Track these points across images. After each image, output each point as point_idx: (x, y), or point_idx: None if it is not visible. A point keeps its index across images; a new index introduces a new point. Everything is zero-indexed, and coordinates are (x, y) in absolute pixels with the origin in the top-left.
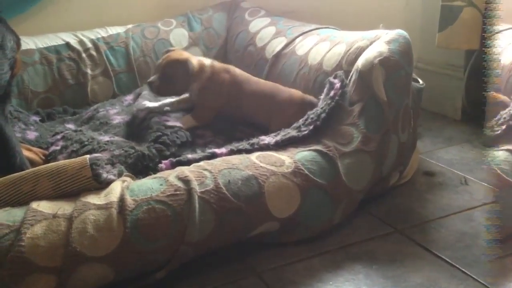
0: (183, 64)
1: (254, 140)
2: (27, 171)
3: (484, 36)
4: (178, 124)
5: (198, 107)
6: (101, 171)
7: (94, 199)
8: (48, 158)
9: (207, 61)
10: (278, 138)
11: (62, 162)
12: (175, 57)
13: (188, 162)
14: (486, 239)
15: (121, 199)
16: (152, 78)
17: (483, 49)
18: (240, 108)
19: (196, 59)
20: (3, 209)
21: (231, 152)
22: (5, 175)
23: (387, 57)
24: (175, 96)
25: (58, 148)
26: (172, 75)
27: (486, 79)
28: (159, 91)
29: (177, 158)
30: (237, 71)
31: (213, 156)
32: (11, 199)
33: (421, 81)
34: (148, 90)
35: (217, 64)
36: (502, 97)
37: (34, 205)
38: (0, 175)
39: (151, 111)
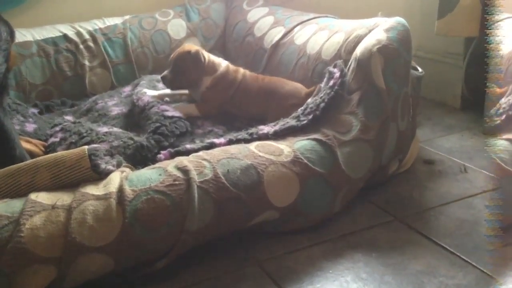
0: (194, 55)
1: (253, 130)
2: (25, 162)
3: (485, 24)
4: (177, 114)
5: (205, 100)
6: (99, 162)
7: (93, 190)
8: (47, 150)
9: (224, 61)
10: (277, 127)
11: (60, 153)
12: (185, 49)
13: (187, 152)
14: (487, 228)
15: (120, 190)
16: (164, 72)
17: (483, 36)
18: (245, 106)
19: (211, 56)
20: (2, 201)
21: (230, 142)
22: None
23: (385, 45)
24: None
25: (57, 140)
26: (183, 67)
27: (486, 71)
28: (172, 84)
29: (176, 149)
30: (247, 73)
31: (212, 146)
32: (10, 190)
33: (420, 69)
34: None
35: (232, 66)
36: (501, 90)
37: (33, 196)
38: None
39: (151, 99)
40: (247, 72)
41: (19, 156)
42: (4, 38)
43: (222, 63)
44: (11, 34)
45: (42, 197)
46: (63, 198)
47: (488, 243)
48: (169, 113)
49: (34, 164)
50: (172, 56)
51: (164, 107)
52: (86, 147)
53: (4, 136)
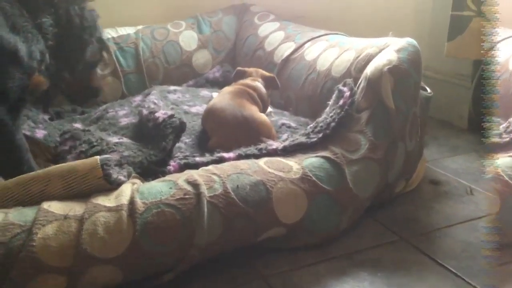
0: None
1: (262, 145)
2: (38, 171)
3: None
4: (169, 112)
5: None
6: (111, 172)
7: (104, 201)
8: (57, 158)
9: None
10: (287, 143)
11: (73, 163)
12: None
13: (196, 165)
14: (483, 249)
15: (131, 202)
16: None
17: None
18: None
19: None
20: (15, 209)
21: (239, 157)
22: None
23: (396, 65)
24: None
25: (66, 148)
26: None
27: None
28: None
29: (185, 161)
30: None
31: (221, 160)
32: (22, 198)
33: (429, 90)
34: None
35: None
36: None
37: (45, 205)
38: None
39: None
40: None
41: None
42: (36, 59)
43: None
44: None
45: (55, 207)
46: (75, 209)
47: (486, 264)
48: (160, 118)
49: (47, 173)
50: None
51: (157, 114)
52: (98, 157)
53: (14, 153)
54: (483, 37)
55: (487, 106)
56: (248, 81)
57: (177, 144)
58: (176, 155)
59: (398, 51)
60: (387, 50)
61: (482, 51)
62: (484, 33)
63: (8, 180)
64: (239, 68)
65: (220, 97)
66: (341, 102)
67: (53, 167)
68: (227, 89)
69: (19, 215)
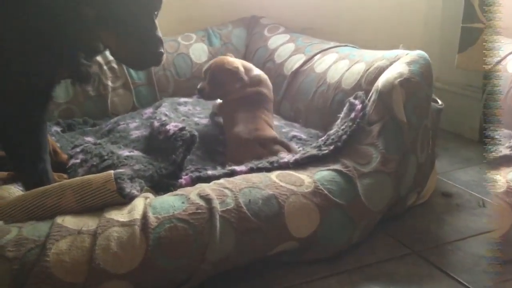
0: (234, 72)
1: (274, 159)
2: (52, 184)
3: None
4: (179, 126)
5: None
6: (125, 185)
7: (117, 216)
8: (68, 171)
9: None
10: (298, 156)
11: (86, 177)
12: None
13: (208, 179)
14: (492, 260)
15: (144, 217)
16: (200, 85)
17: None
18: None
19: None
20: (29, 223)
21: (251, 170)
22: (26, 179)
23: (407, 78)
24: None
25: (77, 161)
26: (221, 81)
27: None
28: (209, 97)
29: (197, 174)
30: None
31: (233, 173)
32: (36, 212)
33: (440, 102)
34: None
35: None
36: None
37: (59, 220)
38: (22, 176)
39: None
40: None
41: (41, 171)
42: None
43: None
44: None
45: (68, 222)
46: (88, 223)
47: (489, 280)
48: (171, 131)
49: (60, 187)
50: (208, 67)
51: (168, 126)
52: (112, 171)
53: (36, 147)
54: (488, 51)
55: (492, 120)
56: None
57: (189, 157)
58: (187, 168)
59: (409, 64)
60: (398, 63)
61: (487, 65)
62: (491, 46)
63: (22, 193)
64: None
65: None
66: (352, 115)
67: (66, 181)
68: None
69: (33, 230)
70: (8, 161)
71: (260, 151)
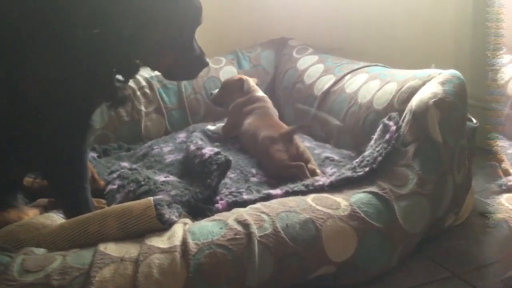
0: (240, 82)
1: (309, 181)
2: (94, 212)
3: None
4: (215, 149)
5: (227, 120)
6: (164, 212)
7: (158, 243)
8: (106, 197)
9: (260, 93)
10: (333, 179)
11: (127, 204)
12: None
13: (243, 203)
14: None
15: (184, 243)
16: (213, 91)
17: None
18: (245, 144)
19: (254, 87)
20: (72, 251)
21: (286, 194)
22: (67, 207)
23: (442, 98)
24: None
25: (115, 187)
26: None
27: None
28: (215, 101)
29: (233, 199)
30: (263, 108)
31: (268, 197)
32: (78, 239)
33: (474, 120)
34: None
35: (260, 95)
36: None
37: (102, 247)
38: (63, 204)
39: (213, 132)
40: (264, 107)
41: (82, 200)
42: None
43: (257, 93)
44: None
45: (111, 249)
46: (130, 251)
47: None
48: (206, 155)
49: (102, 214)
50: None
51: (204, 150)
52: (152, 198)
53: (78, 174)
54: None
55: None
56: None
57: (222, 180)
58: (221, 191)
59: (443, 83)
60: (432, 83)
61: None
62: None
63: (65, 221)
64: None
65: None
66: (387, 136)
67: (108, 208)
68: None
69: (77, 258)
70: (49, 189)
71: (289, 147)
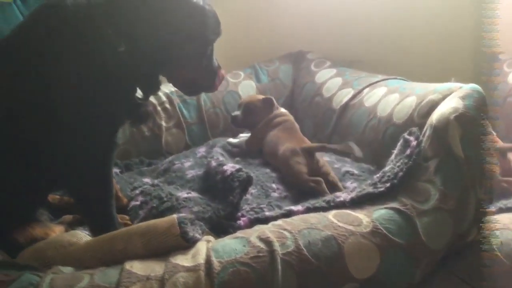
0: (268, 101)
1: (329, 197)
2: (120, 230)
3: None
4: (237, 166)
5: (251, 134)
6: (188, 230)
7: (183, 261)
8: (129, 213)
9: (281, 108)
10: (354, 195)
11: (152, 221)
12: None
13: (265, 220)
14: None
15: (208, 261)
16: (235, 113)
17: None
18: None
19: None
20: (99, 270)
21: (308, 210)
22: (93, 225)
23: (463, 113)
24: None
25: (137, 203)
26: (254, 110)
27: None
28: (240, 124)
29: (255, 215)
30: (287, 121)
31: (290, 213)
32: (105, 256)
33: (495, 134)
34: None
35: (283, 110)
36: (500, 143)
37: (128, 266)
38: (89, 222)
39: (234, 146)
40: (288, 123)
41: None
42: None
43: (281, 109)
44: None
45: (136, 267)
46: (155, 269)
47: None
48: (228, 171)
49: (127, 232)
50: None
51: (225, 167)
52: (176, 215)
53: (106, 197)
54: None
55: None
56: None
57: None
58: (243, 208)
59: (463, 98)
60: (452, 97)
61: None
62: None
63: (91, 238)
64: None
65: None
66: (408, 151)
67: (133, 226)
68: None
69: (104, 277)
70: (75, 206)
71: (309, 162)
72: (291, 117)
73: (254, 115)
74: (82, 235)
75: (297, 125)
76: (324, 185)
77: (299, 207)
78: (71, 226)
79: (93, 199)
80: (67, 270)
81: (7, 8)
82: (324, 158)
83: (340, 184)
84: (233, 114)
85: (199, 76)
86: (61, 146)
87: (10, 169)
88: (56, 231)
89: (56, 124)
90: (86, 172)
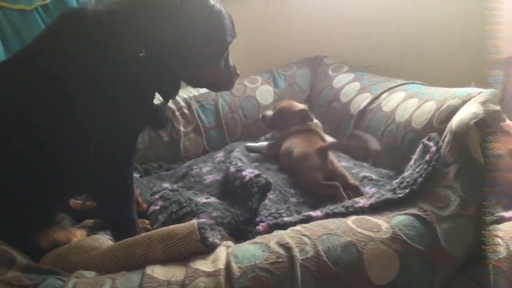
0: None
1: (348, 203)
2: (141, 235)
3: None
4: (254, 173)
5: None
6: (208, 235)
7: (203, 266)
8: (149, 218)
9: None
10: (373, 200)
11: (172, 227)
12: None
13: (284, 225)
14: None
15: (227, 266)
16: (266, 112)
17: None
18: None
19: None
20: (120, 274)
21: (327, 216)
22: (115, 229)
23: (483, 118)
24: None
25: (157, 208)
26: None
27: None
28: (268, 124)
29: (274, 221)
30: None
31: (308, 219)
32: (126, 261)
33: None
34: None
35: (315, 122)
36: None
37: (149, 270)
38: (111, 226)
39: (251, 150)
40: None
41: (129, 226)
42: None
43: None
44: None
45: (158, 272)
46: (176, 274)
47: None
48: (247, 177)
49: (148, 237)
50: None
51: (244, 172)
52: (195, 221)
53: (127, 198)
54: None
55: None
56: None
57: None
58: (262, 213)
59: (483, 103)
60: (472, 103)
61: None
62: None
63: (112, 243)
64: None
65: None
66: (427, 157)
67: (153, 231)
68: None
69: (125, 282)
70: (97, 210)
71: (324, 163)
72: (319, 128)
73: (283, 121)
74: (104, 240)
75: (319, 130)
76: (341, 190)
77: (317, 213)
78: (92, 230)
79: (114, 204)
80: (90, 274)
81: (29, 15)
82: (342, 163)
83: (360, 187)
84: (264, 112)
85: (219, 77)
86: (84, 152)
87: (33, 174)
88: (78, 235)
89: (78, 130)
90: (108, 178)
